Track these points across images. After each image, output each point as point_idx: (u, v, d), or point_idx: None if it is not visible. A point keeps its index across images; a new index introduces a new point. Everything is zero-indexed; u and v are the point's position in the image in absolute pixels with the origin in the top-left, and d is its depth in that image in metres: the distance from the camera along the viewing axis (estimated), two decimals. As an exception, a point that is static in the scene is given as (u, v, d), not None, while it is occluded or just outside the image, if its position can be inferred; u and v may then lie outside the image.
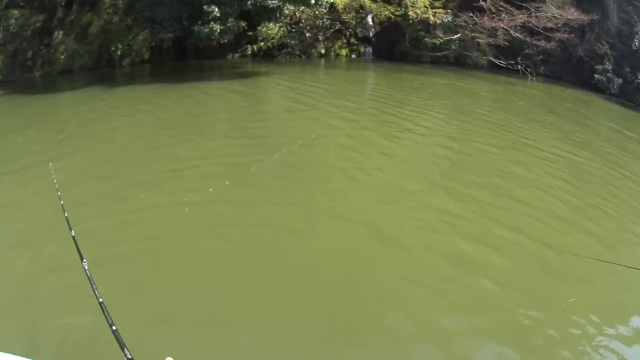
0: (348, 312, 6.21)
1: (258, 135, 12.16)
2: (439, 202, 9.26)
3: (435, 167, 11.06)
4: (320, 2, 18.19)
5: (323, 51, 21.04)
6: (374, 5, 21.00)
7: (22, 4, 26.54)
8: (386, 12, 21.01)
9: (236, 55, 21.65)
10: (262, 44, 21.14)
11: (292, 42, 21.02)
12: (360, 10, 21.09)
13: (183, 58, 22.25)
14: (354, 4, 20.98)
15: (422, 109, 15.45)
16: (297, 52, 21.07)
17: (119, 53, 23.01)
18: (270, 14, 18.69)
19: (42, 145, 11.46)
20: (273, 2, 18.03)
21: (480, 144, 12.77)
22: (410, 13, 20.49)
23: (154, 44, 22.48)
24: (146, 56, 22.54)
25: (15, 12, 26.18)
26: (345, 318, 6.09)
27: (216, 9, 18.03)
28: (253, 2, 18.23)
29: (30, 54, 25.72)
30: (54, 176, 6.26)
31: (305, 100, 15.21)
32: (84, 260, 3.36)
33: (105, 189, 9.03)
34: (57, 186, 5.66)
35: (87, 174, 9.73)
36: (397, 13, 20.97)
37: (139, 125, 13.24)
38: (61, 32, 25.72)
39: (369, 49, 21.67)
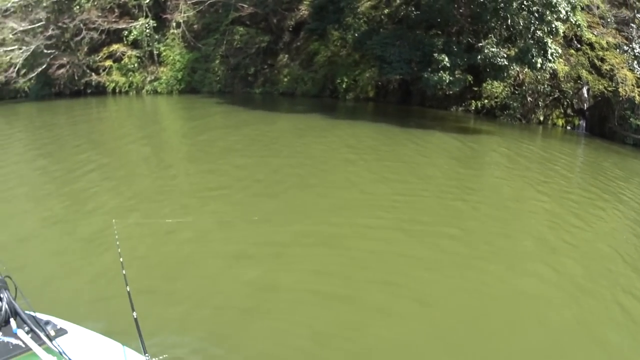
0: None
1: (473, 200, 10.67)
2: None
3: None
4: (544, 67, 18.19)
5: (541, 118, 20.66)
6: (590, 77, 20.44)
7: (248, 22, 29.19)
8: (600, 86, 20.47)
9: (460, 108, 21.94)
10: (485, 101, 21.27)
11: (514, 104, 20.88)
12: (578, 81, 20.77)
13: (407, 102, 22.87)
14: (572, 72, 20.71)
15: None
16: (518, 116, 21.08)
17: (344, 86, 23.90)
18: (498, 72, 18.62)
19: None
20: (502, 60, 18.13)
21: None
22: (621, 90, 19.83)
23: (379, 83, 23.33)
24: (371, 94, 23.36)
25: (241, 29, 28.78)
26: None
27: (446, 59, 18.22)
28: (482, 57, 18.41)
29: (252, 70, 28.15)
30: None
31: (523, 174, 13.17)
32: None
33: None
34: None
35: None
36: (610, 88, 20.38)
37: (356, 165, 13.11)
38: (286, 55, 27.75)
39: (583, 123, 21.07)
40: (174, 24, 29.35)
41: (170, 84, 29.46)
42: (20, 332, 3.14)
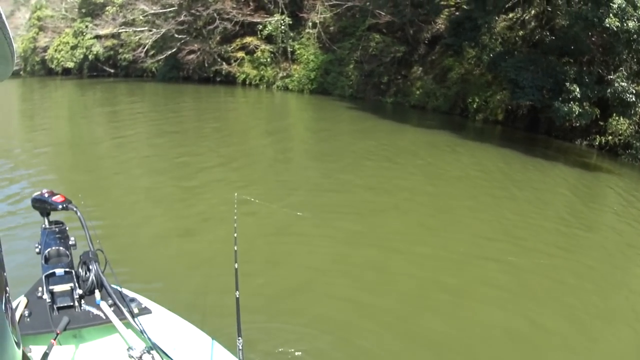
0: None
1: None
2: None
3: None
4: None
5: None
6: None
7: (384, 30, 29.22)
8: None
9: (584, 142, 20.74)
10: (609, 137, 19.90)
11: (638, 144, 19.49)
12: None
13: (534, 129, 21.99)
14: None
15: None
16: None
17: (474, 106, 23.36)
18: (625, 108, 17.63)
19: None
20: (631, 96, 17.08)
21: None
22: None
23: (509, 107, 22.58)
24: (500, 117, 22.44)
25: (377, 36, 28.90)
26: None
27: (577, 89, 17.54)
28: (612, 90, 17.44)
29: (385, 79, 28.18)
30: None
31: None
32: None
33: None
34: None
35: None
36: None
37: (473, 189, 12.84)
38: (420, 68, 27.44)
39: None
40: (310, 24, 30.14)
41: (302, 82, 30.26)
42: (103, 304, 3.21)
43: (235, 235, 4.03)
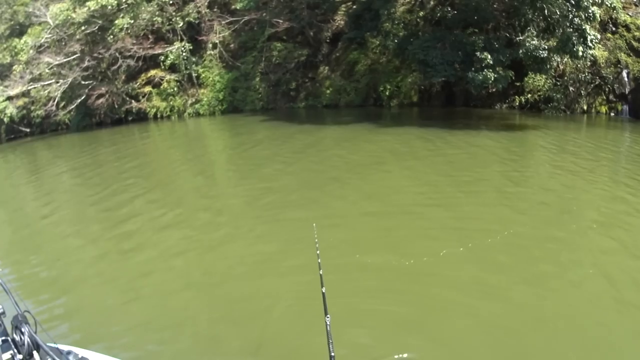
0: None
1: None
2: None
3: None
4: (585, 54, 17.60)
5: (585, 107, 19.90)
6: (629, 60, 19.51)
7: (284, 37, 29.01)
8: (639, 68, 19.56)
9: (504, 105, 21.39)
10: (529, 95, 20.60)
11: (558, 96, 20.22)
12: (617, 65, 19.84)
13: (451, 104, 22.36)
14: (611, 57, 19.81)
15: None
16: (562, 107, 20.32)
17: (387, 93, 23.43)
18: (540, 64, 18.11)
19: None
20: (543, 52, 17.68)
21: None
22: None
23: (422, 87, 22.81)
24: (414, 99, 22.74)
25: (278, 44, 28.60)
26: None
27: (489, 56, 17.91)
28: (524, 50, 18.02)
29: (293, 85, 27.86)
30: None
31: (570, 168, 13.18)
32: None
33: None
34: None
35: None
36: (650, 70, 19.45)
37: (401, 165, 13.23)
38: (327, 67, 27.36)
39: (626, 107, 20.11)
40: (210, 45, 29.54)
41: (212, 105, 29.53)
42: None
43: (319, 261, 3.96)
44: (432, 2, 23.04)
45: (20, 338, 3.25)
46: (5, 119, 33.05)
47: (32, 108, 32.06)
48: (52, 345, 3.42)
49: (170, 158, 19.13)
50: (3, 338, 3.22)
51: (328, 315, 3.36)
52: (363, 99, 25.01)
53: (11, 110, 32.08)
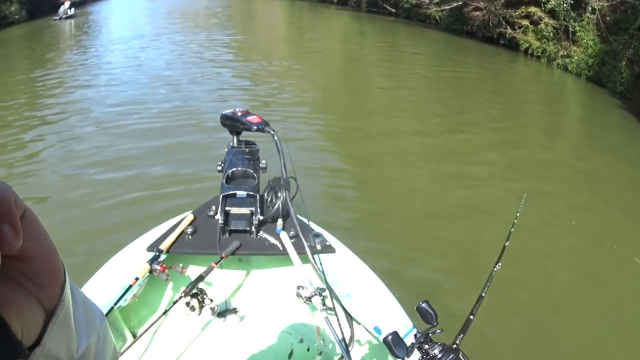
0: None
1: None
2: None
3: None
4: None
5: None
6: None
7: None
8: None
9: None
10: None
11: None
12: None
13: None
14: None
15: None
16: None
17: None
18: None
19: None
20: None
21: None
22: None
23: None
24: None
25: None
26: None
27: None
28: None
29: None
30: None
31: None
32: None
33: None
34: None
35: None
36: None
37: None
38: None
39: None
40: (590, 8, 25.76)
41: (580, 66, 26.97)
42: (284, 235, 2.94)
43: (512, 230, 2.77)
44: None
45: (272, 199, 3.06)
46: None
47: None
48: (303, 220, 2.92)
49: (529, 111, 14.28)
50: (250, 192, 2.95)
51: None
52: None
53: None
